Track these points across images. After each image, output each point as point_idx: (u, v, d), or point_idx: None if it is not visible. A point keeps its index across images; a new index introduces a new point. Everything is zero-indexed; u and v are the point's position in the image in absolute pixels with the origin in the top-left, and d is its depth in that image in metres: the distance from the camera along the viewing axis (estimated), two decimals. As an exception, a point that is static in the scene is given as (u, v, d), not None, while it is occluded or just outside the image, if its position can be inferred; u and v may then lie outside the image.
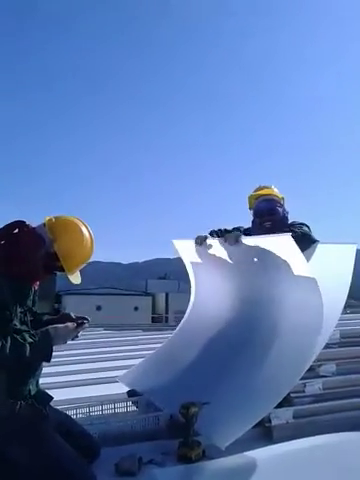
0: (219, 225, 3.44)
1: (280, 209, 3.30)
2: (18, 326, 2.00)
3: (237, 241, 2.88)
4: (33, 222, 2.16)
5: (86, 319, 2.19)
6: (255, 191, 3.50)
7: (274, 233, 3.02)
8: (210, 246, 3.16)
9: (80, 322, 2.15)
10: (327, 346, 3.05)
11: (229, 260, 3.11)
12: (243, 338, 2.96)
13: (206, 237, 3.18)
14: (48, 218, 2.12)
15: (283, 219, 3.29)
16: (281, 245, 2.64)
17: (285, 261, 2.64)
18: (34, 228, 2.11)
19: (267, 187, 3.46)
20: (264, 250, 2.74)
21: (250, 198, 3.49)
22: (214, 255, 3.17)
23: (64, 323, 2.09)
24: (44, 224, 2.11)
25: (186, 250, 3.46)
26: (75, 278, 2.18)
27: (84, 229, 2.19)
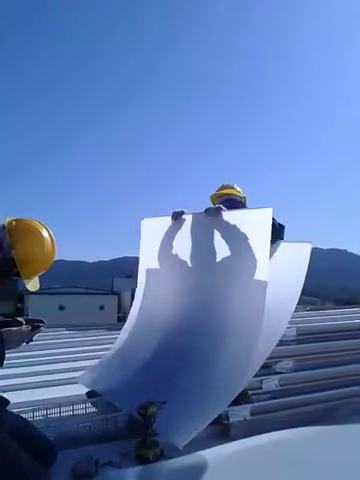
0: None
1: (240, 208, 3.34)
2: None
3: (217, 214, 3.04)
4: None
5: (42, 322, 2.15)
6: (218, 190, 3.55)
7: None
8: (184, 221, 3.28)
9: (36, 325, 2.10)
10: (284, 343, 3.13)
11: (195, 240, 3.21)
12: (199, 333, 2.98)
13: (182, 212, 3.30)
14: (8, 220, 2.05)
15: None
16: (256, 219, 2.82)
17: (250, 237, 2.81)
18: None
19: (230, 186, 3.51)
20: (236, 225, 2.91)
21: (212, 197, 3.55)
22: (180, 234, 3.29)
23: (18, 326, 2.05)
24: (3, 226, 2.04)
25: (150, 229, 3.54)
26: (32, 285, 2.12)
27: (46, 234, 2.12)
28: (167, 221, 3.40)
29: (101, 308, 28.47)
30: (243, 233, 2.86)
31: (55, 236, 2.21)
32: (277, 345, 3.03)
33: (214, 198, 3.51)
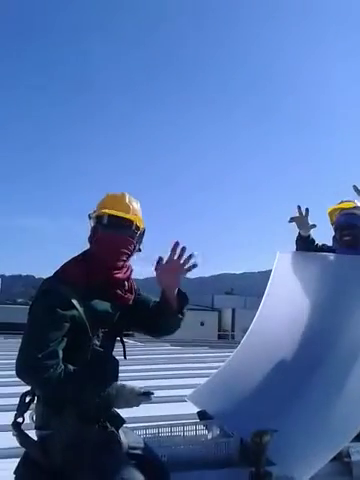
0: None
1: None
2: (97, 346, 1.96)
3: None
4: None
5: (152, 393, 2.07)
6: (338, 205, 3.40)
7: (355, 248, 3.04)
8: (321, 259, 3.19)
9: (146, 391, 2.03)
10: None
11: (330, 280, 3.07)
12: (319, 355, 2.77)
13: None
14: None
15: None
16: None
17: None
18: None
19: (350, 201, 3.33)
20: None
21: (330, 213, 3.41)
22: (316, 272, 3.18)
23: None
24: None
25: (284, 263, 3.44)
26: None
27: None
28: (302, 257, 3.33)
29: (202, 324, 28.69)
30: None
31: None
32: None
33: (332, 214, 3.35)
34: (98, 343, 1.97)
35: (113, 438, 1.95)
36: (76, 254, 2.15)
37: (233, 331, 26.75)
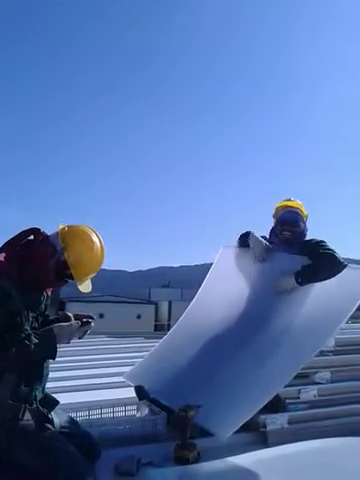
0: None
1: (302, 224, 3.38)
2: (28, 331, 2.06)
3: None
4: (47, 230, 2.23)
5: (91, 317, 2.26)
6: (284, 201, 3.58)
7: (291, 244, 3.34)
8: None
9: (85, 321, 2.21)
10: (322, 354, 3.15)
11: (268, 276, 3.32)
12: (250, 334, 3.09)
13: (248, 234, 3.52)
14: (61, 227, 2.17)
15: (302, 234, 3.39)
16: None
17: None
18: (48, 236, 2.18)
19: (296, 201, 3.54)
20: None
21: (277, 207, 3.56)
22: (256, 267, 3.42)
23: (68, 321, 2.17)
24: (57, 232, 2.16)
25: (227, 257, 3.70)
26: (85, 287, 2.23)
27: (95, 238, 2.22)
28: (242, 251, 3.55)
29: (138, 317, 28.77)
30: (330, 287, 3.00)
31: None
32: (315, 355, 3.08)
33: (279, 208, 3.52)
34: (28, 328, 2.09)
35: (45, 417, 2.09)
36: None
37: (169, 322, 27.04)
